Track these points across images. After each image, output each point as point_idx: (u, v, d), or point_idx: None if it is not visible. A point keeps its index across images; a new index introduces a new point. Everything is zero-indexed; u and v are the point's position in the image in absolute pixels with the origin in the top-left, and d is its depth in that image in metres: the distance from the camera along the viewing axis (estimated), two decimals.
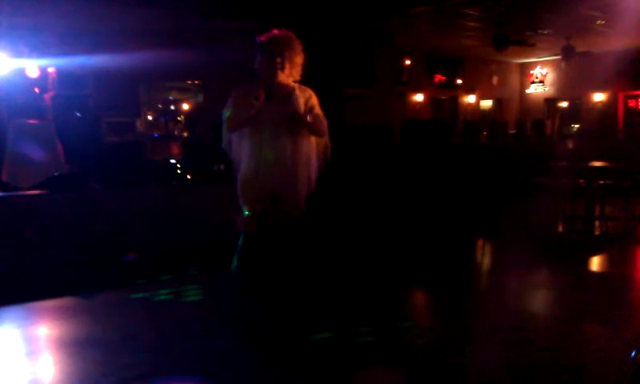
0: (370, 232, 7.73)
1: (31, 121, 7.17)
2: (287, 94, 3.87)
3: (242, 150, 3.91)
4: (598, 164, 8.07)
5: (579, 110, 17.58)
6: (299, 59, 3.91)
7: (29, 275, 5.39)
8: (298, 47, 3.90)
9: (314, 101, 3.93)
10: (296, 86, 3.94)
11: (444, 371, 3.46)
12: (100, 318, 4.53)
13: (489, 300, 4.95)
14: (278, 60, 3.79)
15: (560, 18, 11.55)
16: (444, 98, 17.39)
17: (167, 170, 7.29)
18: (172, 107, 11.57)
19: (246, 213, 3.89)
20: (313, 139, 3.93)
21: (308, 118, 3.82)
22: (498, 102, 18.66)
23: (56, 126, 7.40)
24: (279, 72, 3.81)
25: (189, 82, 12.36)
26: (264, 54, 3.83)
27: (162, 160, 8.20)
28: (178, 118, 10.86)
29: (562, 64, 15.86)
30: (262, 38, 3.86)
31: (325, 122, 3.91)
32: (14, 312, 4.68)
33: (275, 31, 3.88)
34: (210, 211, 6.82)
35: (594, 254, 6.83)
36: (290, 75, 3.89)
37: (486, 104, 18.62)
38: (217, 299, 4.84)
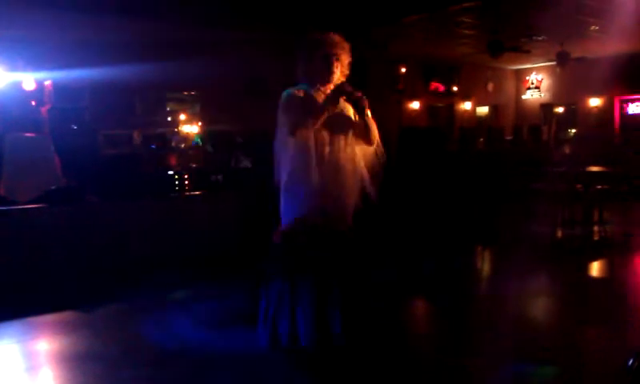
0: (368, 239, 7.71)
1: (28, 134, 7.17)
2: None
3: (287, 159, 3.69)
4: (595, 169, 8.09)
5: (575, 115, 17.63)
6: (347, 60, 3.79)
7: (27, 289, 5.38)
8: (348, 47, 3.79)
9: (366, 103, 3.75)
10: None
11: (444, 371, 3.47)
12: (100, 331, 4.51)
13: (488, 305, 4.95)
14: (336, 62, 3.70)
15: (554, 25, 11.60)
16: (440, 105, 17.42)
17: (165, 181, 7.29)
18: (169, 118, 11.59)
19: (289, 225, 3.73)
20: (362, 150, 3.79)
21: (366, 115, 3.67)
22: (494, 109, 18.70)
23: (52, 138, 7.41)
24: (335, 74, 3.71)
25: (185, 93, 12.39)
26: (321, 56, 3.68)
27: (159, 172, 8.20)
28: (176, 130, 10.89)
29: (558, 70, 15.91)
30: (317, 37, 3.72)
31: (375, 127, 3.77)
32: (13, 327, 4.67)
33: (329, 34, 3.74)
34: (208, 223, 6.83)
35: (593, 259, 6.83)
36: (339, 78, 3.77)
37: (482, 111, 18.66)
38: (216, 311, 4.85)
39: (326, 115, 3.61)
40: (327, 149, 3.67)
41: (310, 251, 3.69)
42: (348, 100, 3.65)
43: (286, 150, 3.67)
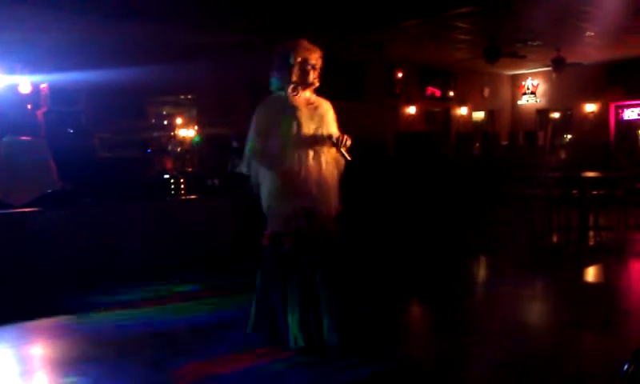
0: (363, 245, 7.72)
1: (24, 137, 7.15)
2: (316, 106, 3.89)
3: (268, 163, 3.81)
4: (590, 174, 8.11)
5: (571, 120, 17.68)
6: (320, 64, 3.92)
7: (22, 293, 5.36)
8: (320, 52, 3.92)
9: (333, 115, 3.96)
10: (318, 98, 3.96)
11: (440, 372, 3.47)
12: (95, 335, 4.50)
13: (484, 310, 4.95)
14: (312, 69, 3.83)
15: (550, 30, 11.65)
16: (436, 110, 17.45)
17: (161, 185, 7.28)
18: (165, 122, 11.57)
19: (276, 230, 3.80)
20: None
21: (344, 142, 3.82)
22: (490, 114, 18.74)
23: (48, 142, 7.38)
24: (309, 79, 3.84)
25: (182, 96, 12.38)
26: (297, 62, 3.82)
27: (155, 175, 8.19)
28: (172, 134, 10.86)
29: (553, 75, 15.97)
30: (291, 44, 3.85)
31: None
32: (7, 331, 4.65)
33: (303, 40, 3.88)
34: (204, 227, 6.83)
35: (589, 264, 6.85)
36: (313, 82, 3.91)
37: (479, 116, 18.70)
38: (211, 313, 4.84)
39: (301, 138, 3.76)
40: (311, 153, 3.78)
41: (296, 253, 3.75)
42: (335, 145, 3.82)
43: (263, 155, 3.78)
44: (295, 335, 3.76)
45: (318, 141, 3.81)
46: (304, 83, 3.85)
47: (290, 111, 3.80)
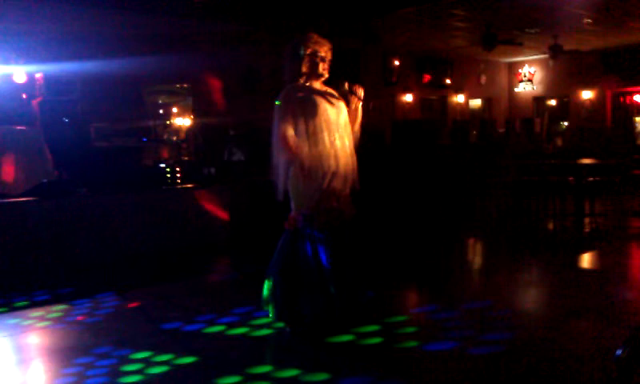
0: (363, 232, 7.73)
1: (19, 127, 7.13)
2: (330, 93, 4.11)
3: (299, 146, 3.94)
4: (587, 161, 8.11)
5: (568, 107, 17.67)
6: (330, 57, 4.11)
7: (18, 282, 5.37)
8: (329, 45, 4.11)
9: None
10: (327, 88, 4.15)
11: (439, 364, 3.48)
12: (90, 324, 4.51)
13: (481, 296, 4.96)
14: (322, 63, 4.02)
15: (548, 17, 11.61)
16: (433, 98, 17.40)
17: (157, 174, 7.27)
18: (161, 111, 11.51)
19: (305, 211, 3.91)
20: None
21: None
22: (487, 101, 18.70)
23: (44, 131, 7.36)
24: (320, 71, 4.02)
25: (178, 85, 12.31)
26: (308, 55, 3.99)
27: (151, 164, 8.18)
28: (168, 122, 10.82)
29: (550, 62, 15.93)
30: (302, 37, 4.02)
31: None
32: (3, 320, 4.66)
33: (314, 33, 4.06)
34: (201, 215, 6.83)
35: (584, 250, 6.87)
36: (323, 74, 4.09)
37: (475, 103, 18.67)
38: (207, 301, 4.85)
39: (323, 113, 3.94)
40: (336, 134, 3.97)
41: (323, 232, 3.91)
42: (350, 92, 4.14)
43: (292, 139, 3.88)
44: (318, 313, 3.93)
45: (340, 123, 4.01)
46: (314, 74, 4.03)
47: (313, 96, 3.96)
